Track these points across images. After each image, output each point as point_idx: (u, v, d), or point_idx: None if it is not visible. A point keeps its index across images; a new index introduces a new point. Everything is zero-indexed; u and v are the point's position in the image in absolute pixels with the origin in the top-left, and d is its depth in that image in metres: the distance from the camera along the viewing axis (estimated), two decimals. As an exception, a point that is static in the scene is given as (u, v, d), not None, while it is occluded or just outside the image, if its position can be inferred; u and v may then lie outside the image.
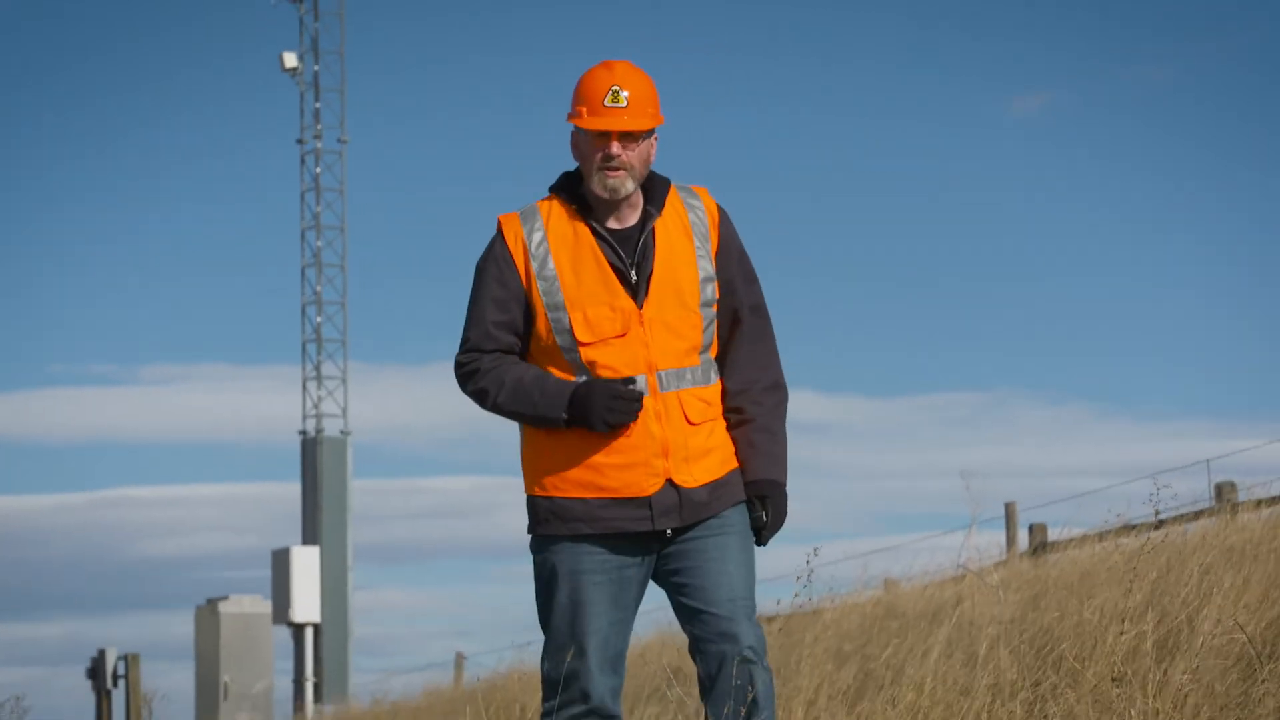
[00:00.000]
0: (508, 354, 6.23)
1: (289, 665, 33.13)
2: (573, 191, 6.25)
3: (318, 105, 34.53)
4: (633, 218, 6.22)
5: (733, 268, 6.28)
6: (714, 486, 6.18)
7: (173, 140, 46.05)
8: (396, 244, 46.62)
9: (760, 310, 6.32)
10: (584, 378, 6.13)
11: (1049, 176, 47.41)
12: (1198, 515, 14.81)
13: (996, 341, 48.37)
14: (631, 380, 6.07)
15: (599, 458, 6.13)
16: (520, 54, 46.33)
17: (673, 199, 6.28)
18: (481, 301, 6.24)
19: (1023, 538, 19.28)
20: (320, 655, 33.06)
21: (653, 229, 6.21)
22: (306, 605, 32.91)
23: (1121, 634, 7.50)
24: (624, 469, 6.12)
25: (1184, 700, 6.32)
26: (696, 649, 6.13)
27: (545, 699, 6.24)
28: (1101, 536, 13.64)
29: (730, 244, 6.29)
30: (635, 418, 6.04)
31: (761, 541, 6.23)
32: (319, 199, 34.43)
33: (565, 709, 6.17)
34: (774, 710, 6.17)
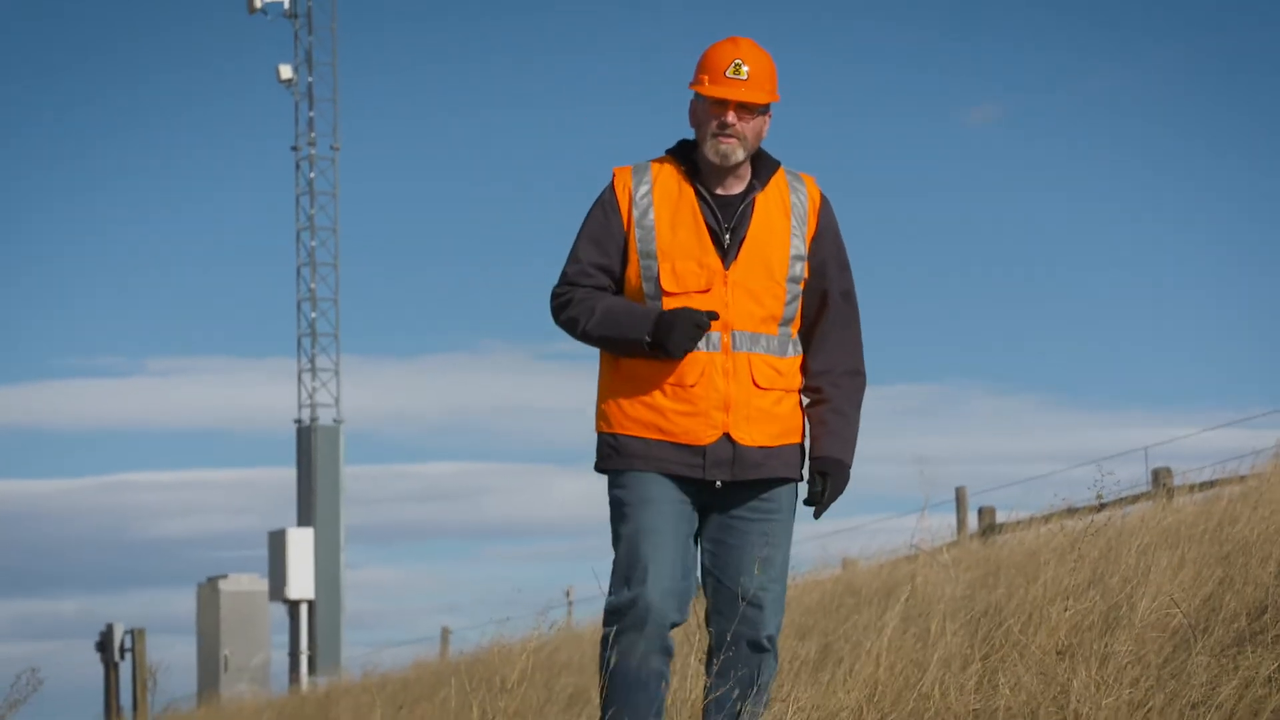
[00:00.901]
0: (598, 290, 6.19)
1: (285, 639, 33.11)
2: (686, 156, 6.22)
3: (312, 114, 34.50)
4: (737, 187, 6.19)
5: (826, 253, 6.24)
6: (768, 453, 6.12)
7: (177, 146, 46.02)
8: (386, 244, 46.58)
9: (850, 297, 6.29)
10: None
11: (997, 183, 47.44)
12: (1136, 499, 14.83)
13: (949, 336, 48.44)
14: (714, 315, 6.02)
15: (665, 402, 6.09)
16: (502, 66, 46.28)
17: (778, 179, 6.25)
18: (583, 240, 6.22)
19: (972, 520, 19.31)
20: (314, 630, 33.02)
21: (753, 200, 6.18)
22: (301, 583, 32.88)
23: (1066, 610, 7.50)
24: (686, 416, 6.08)
25: (1124, 671, 6.31)
26: (715, 622, 6.11)
27: (607, 622, 6.12)
28: (1047, 519, 13.65)
29: (828, 231, 6.25)
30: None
31: (816, 514, 6.17)
32: (313, 202, 34.41)
33: (628, 634, 6.04)
34: (771, 684, 6.15)
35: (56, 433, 52.34)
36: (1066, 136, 46.30)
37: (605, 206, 6.21)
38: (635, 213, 6.16)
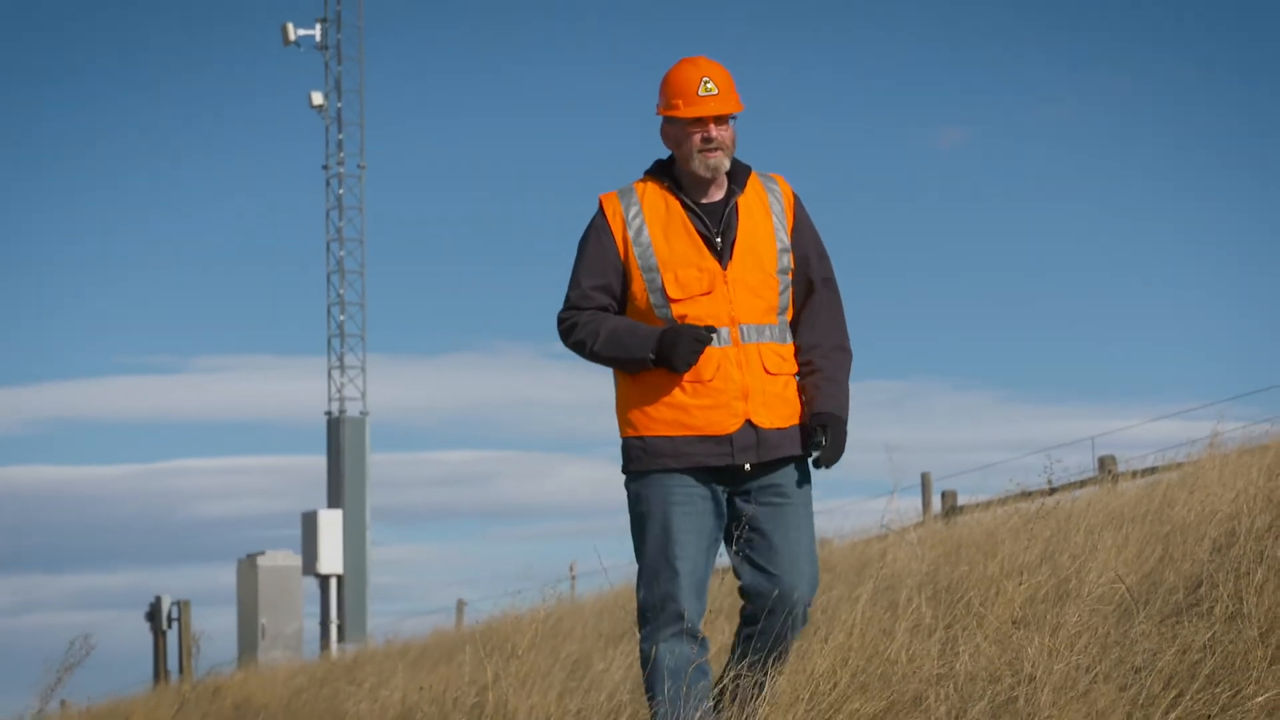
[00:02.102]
0: (601, 311, 6.12)
1: (316, 610, 33.03)
2: (666, 173, 6.16)
3: (340, 136, 34.45)
4: (719, 194, 6.14)
5: (806, 244, 6.20)
6: (784, 433, 6.07)
7: (220, 167, 45.98)
8: (408, 253, 46.51)
9: (831, 283, 6.25)
10: None
11: (957, 200, 47.42)
12: (1084, 484, 14.81)
13: (914, 338, 48.35)
14: (713, 329, 5.98)
15: (686, 399, 6.01)
16: (510, 88, 46.25)
17: (753, 181, 6.21)
18: (582, 266, 6.14)
19: (936, 503, 19.30)
20: (343, 601, 32.99)
21: (736, 204, 6.12)
22: (331, 559, 32.84)
23: (1021, 584, 7.49)
24: (708, 409, 6.01)
25: (1074, 639, 6.32)
26: (750, 595, 6.02)
27: (642, 625, 6.06)
28: (1003, 502, 13.63)
29: (804, 223, 6.22)
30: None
31: (818, 465, 6.11)
32: (341, 215, 34.36)
33: (663, 630, 5.98)
34: (796, 639, 6.09)
35: (113, 423, 52.33)
36: (1021, 157, 46.24)
37: (599, 232, 6.13)
38: (630, 232, 6.09)
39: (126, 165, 45.94)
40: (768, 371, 6.06)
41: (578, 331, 6.11)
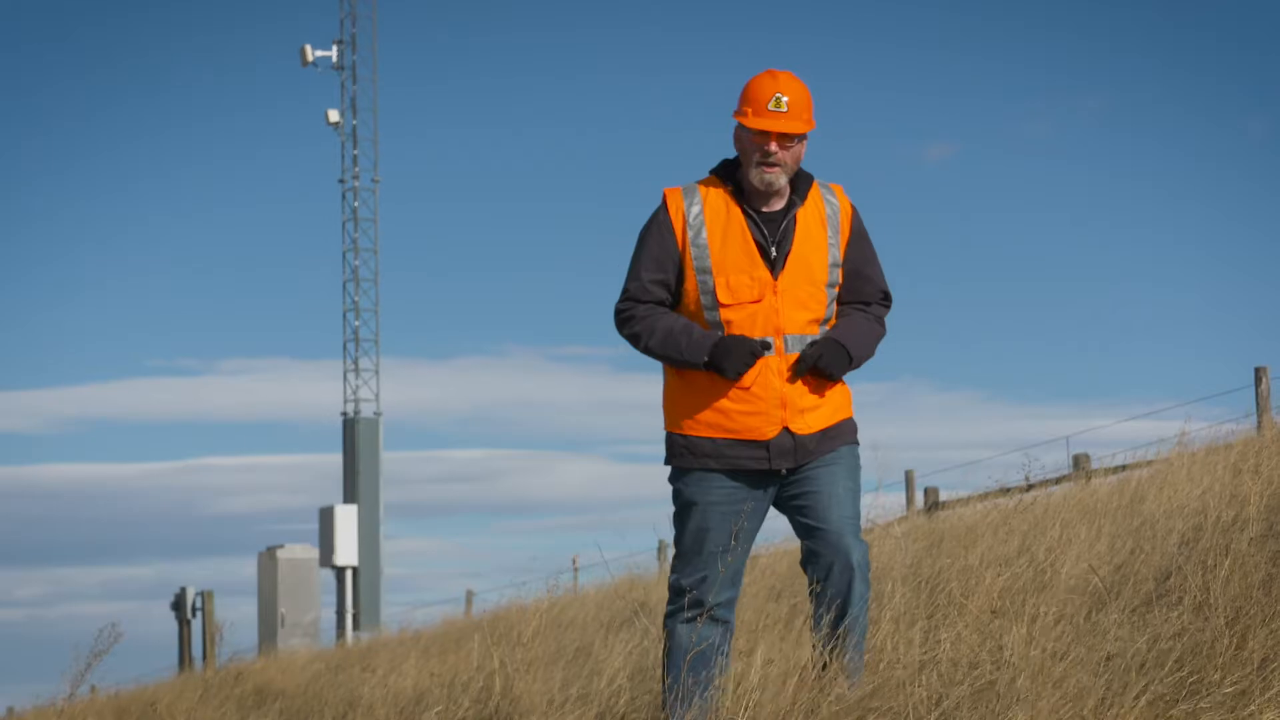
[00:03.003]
0: (658, 306, 5.98)
1: (333, 600, 33.02)
2: (730, 176, 5.99)
3: (355, 152, 34.44)
4: (779, 204, 5.98)
5: (859, 258, 6.06)
6: (823, 434, 5.95)
7: (242, 181, 46.06)
8: (420, 262, 46.49)
9: (888, 296, 6.16)
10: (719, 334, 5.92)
11: (944, 212, 47.43)
12: (1059, 481, 14.80)
13: (900, 341, 48.33)
14: (766, 342, 5.87)
15: (728, 404, 5.90)
16: (522, 105, 46.26)
17: (814, 193, 6.04)
18: (642, 258, 5.98)
19: (919, 498, 19.30)
20: (358, 592, 32.98)
21: (795, 215, 5.96)
22: (347, 551, 32.83)
23: (999, 575, 7.49)
24: (748, 415, 5.90)
25: (1050, 628, 6.31)
26: (809, 560, 5.90)
27: (670, 602, 6.01)
28: (983, 497, 13.63)
29: (860, 237, 6.08)
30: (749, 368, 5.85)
31: (805, 361, 5.92)
32: (357, 227, 34.34)
33: (687, 611, 5.94)
34: (866, 612, 5.96)
35: (141, 423, 52.32)
36: (1004, 170, 46.24)
37: (661, 227, 5.97)
38: (690, 232, 5.93)
39: (156, 178, 46.06)
40: (808, 381, 5.95)
41: (635, 324, 5.98)
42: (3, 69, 43.86)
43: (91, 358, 51.07)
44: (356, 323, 34.26)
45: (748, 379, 5.90)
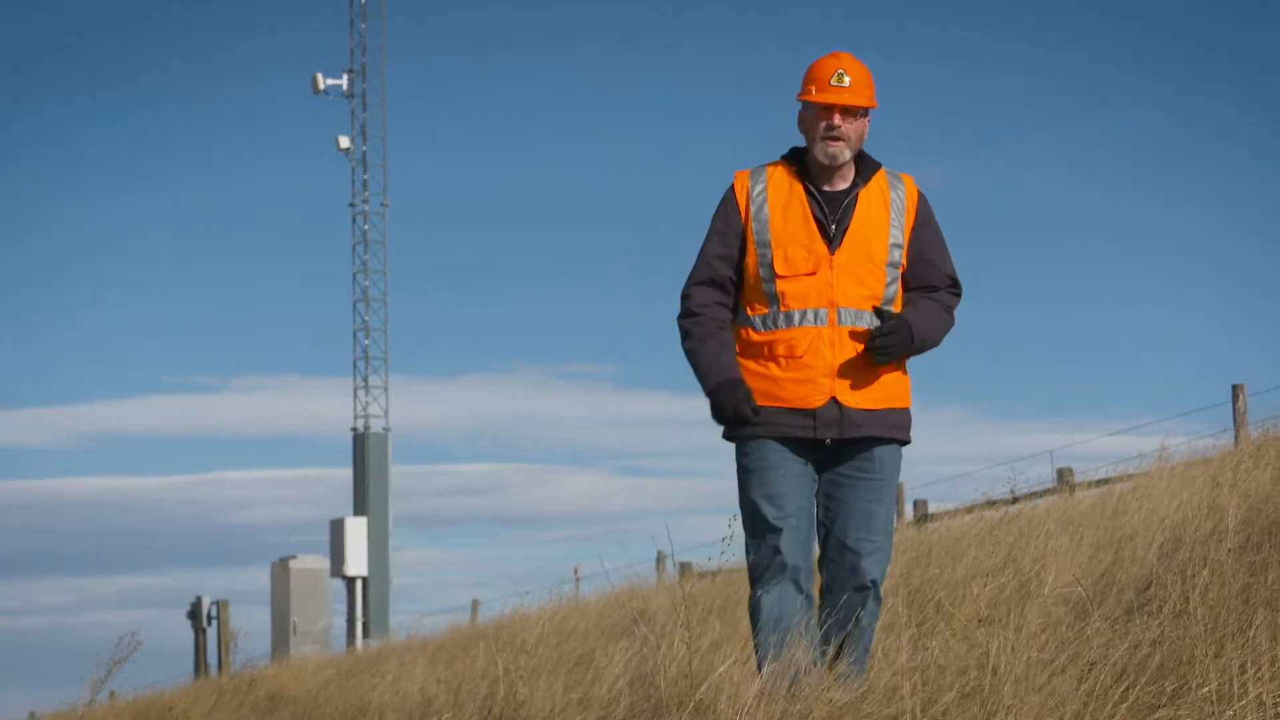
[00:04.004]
0: (720, 288, 5.98)
1: (343, 608, 33.01)
2: (797, 159, 6.01)
3: (365, 177, 34.46)
4: (842, 184, 5.97)
5: (925, 244, 6.01)
6: (870, 414, 5.89)
7: (256, 203, 46.11)
8: (427, 283, 46.50)
9: (957, 283, 6.08)
10: (775, 308, 5.89)
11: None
12: (1044, 493, 14.79)
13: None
14: (755, 409, 5.85)
15: (779, 372, 5.87)
16: (525, 130, 46.32)
17: (879, 177, 6.01)
18: (711, 236, 6.02)
19: (909, 510, 19.27)
20: (367, 601, 32.94)
21: (856, 195, 5.94)
22: (357, 562, 32.81)
23: (986, 585, 7.48)
24: (798, 384, 5.86)
25: (1034, 636, 6.30)
26: (826, 566, 5.89)
27: (752, 581, 5.94)
28: (970, 510, 13.63)
29: (926, 223, 6.02)
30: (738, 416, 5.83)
31: (869, 346, 5.87)
32: (366, 249, 34.38)
33: (768, 581, 5.86)
34: (874, 630, 5.90)
35: (159, 438, 52.27)
36: (990, 192, 46.28)
37: (727, 206, 6.01)
38: (752, 208, 5.95)
39: (172, 202, 46.09)
40: (861, 356, 5.88)
41: (689, 322, 6.01)
42: (44, 98, 43.92)
43: (111, 375, 51.14)
44: (366, 341, 34.28)
45: (800, 347, 5.87)
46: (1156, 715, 5.56)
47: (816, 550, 6.07)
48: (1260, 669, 5.65)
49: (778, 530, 5.88)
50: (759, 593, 5.90)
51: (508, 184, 46.92)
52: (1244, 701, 5.54)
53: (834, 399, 5.86)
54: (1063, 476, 16.20)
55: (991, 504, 13.36)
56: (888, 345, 5.87)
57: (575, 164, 46.64)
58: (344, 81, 34.61)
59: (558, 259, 45.98)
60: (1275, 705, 5.55)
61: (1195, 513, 8.40)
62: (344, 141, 34.47)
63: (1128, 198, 43.53)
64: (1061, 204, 44.71)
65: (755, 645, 5.96)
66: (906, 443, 6.06)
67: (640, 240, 46.08)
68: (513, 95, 45.62)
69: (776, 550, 5.87)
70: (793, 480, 5.91)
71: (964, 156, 45.94)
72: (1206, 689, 5.63)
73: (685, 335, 6.01)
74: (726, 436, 6.02)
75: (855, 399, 5.88)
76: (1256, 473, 9.50)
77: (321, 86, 34.46)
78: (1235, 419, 15.06)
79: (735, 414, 5.88)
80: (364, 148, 34.50)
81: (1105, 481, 13.86)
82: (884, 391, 5.94)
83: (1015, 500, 13.07)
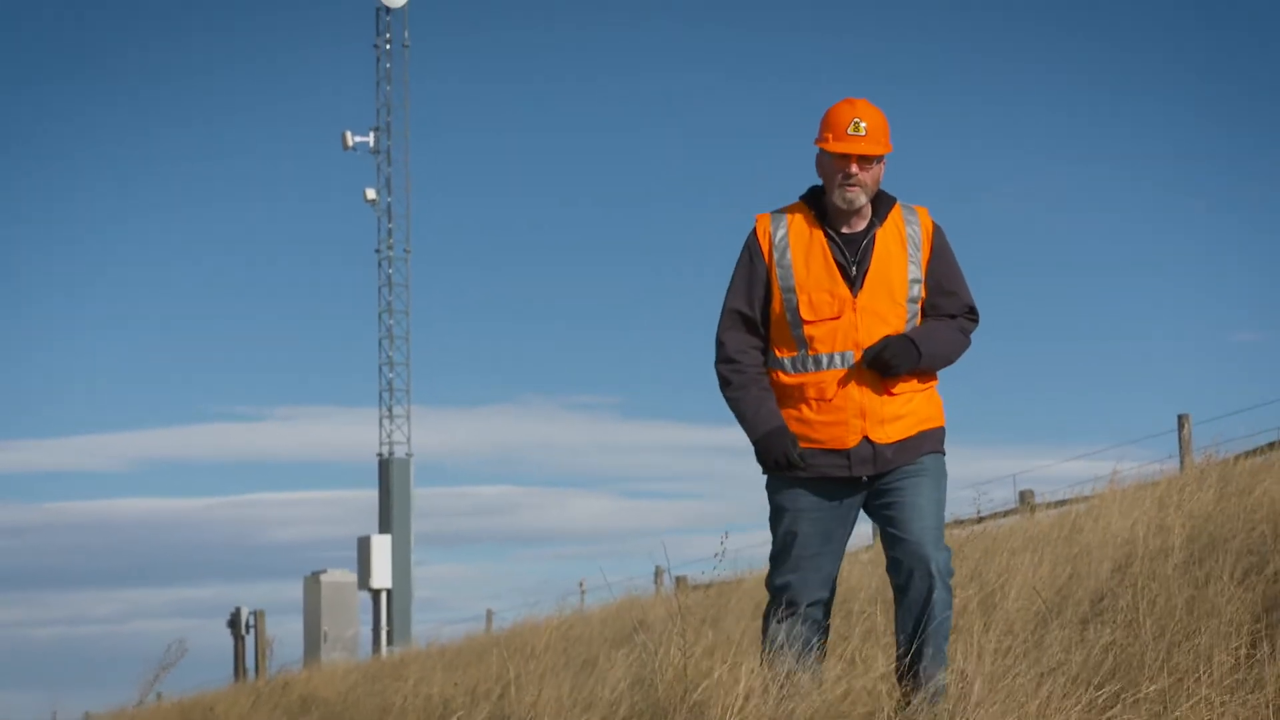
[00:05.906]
0: (752, 331, 5.72)
1: (369, 618, 32.88)
2: (815, 201, 5.76)
3: (390, 226, 34.50)
4: (860, 225, 5.69)
5: (941, 274, 5.74)
6: (902, 444, 5.62)
7: (289, 251, 46.15)
8: (447, 322, 46.47)
9: (974, 311, 5.83)
10: (804, 351, 5.66)
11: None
12: (1007, 514, 14.77)
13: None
14: (803, 454, 5.62)
15: (811, 415, 5.62)
16: (538, 183, 46.38)
17: (895, 214, 5.73)
18: (736, 280, 5.75)
19: (885, 529, 19.19)
20: (391, 611, 32.88)
21: (874, 236, 5.67)
22: (382, 576, 32.75)
23: (954, 597, 7.47)
24: (830, 425, 5.62)
25: (999, 643, 6.30)
26: (892, 567, 5.61)
27: (769, 606, 5.77)
28: (940, 528, 13.57)
29: (942, 255, 5.74)
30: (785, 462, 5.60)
31: (872, 360, 5.59)
32: (391, 291, 34.39)
33: (781, 611, 5.69)
34: (949, 619, 5.60)
35: (201, 463, 52.09)
36: (953, 223, 46.23)
37: (750, 251, 5.74)
38: (775, 253, 5.69)
39: (225, 250, 46.14)
40: (888, 393, 5.65)
41: (728, 369, 5.75)
42: (113, 147, 44.02)
43: (162, 405, 51.01)
44: (391, 375, 34.29)
45: (830, 390, 5.63)
46: (1108, 715, 5.56)
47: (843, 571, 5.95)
48: (1211, 672, 5.66)
49: (797, 569, 5.71)
50: (772, 620, 5.77)
51: (520, 233, 46.99)
52: (1190, 703, 5.54)
53: (866, 438, 5.64)
54: (1024, 498, 16.18)
55: (959, 523, 13.34)
56: (892, 354, 5.61)
57: (576, 211, 46.67)
58: (371, 138, 34.66)
59: (567, 298, 45.99)
60: (1223, 704, 5.56)
61: (1145, 531, 8.40)
62: (370, 193, 34.51)
63: (1090, 238, 43.51)
64: (1027, 241, 44.68)
65: (762, 653, 5.85)
66: (942, 453, 5.80)
67: (644, 283, 46.05)
68: (524, 149, 45.71)
69: (791, 587, 5.71)
70: (823, 524, 5.71)
71: (932, 189, 45.91)
72: (1155, 687, 5.63)
73: (725, 383, 5.76)
74: (766, 472, 5.80)
75: (888, 433, 5.65)
76: (1200, 494, 9.50)
77: (350, 143, 34.53)
78: (1181, 445, 15.06)
79: (784, 461, 5.66)
80: (389, 199, 34.55)
81: (1064, 503, 13.85)
82: (915, 418, 5.71)
83: (981, 520, 13.06)
